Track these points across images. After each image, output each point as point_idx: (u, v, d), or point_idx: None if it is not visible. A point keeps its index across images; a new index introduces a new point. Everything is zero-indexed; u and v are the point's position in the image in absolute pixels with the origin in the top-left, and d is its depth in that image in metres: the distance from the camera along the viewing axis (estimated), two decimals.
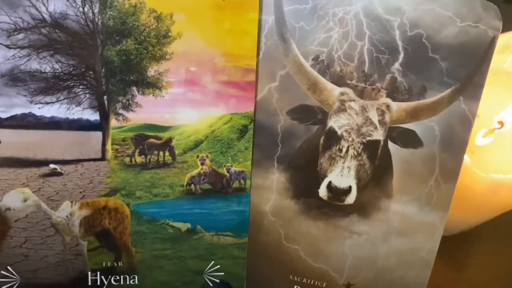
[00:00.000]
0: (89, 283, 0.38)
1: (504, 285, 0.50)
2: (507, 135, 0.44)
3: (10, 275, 0.37)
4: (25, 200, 0.36)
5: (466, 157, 0.42)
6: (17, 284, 0.37)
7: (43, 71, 0.34)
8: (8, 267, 0.36)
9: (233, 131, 0.38)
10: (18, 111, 0.35)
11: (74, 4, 0.33)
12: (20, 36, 0.33)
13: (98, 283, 0.38)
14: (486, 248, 0.55)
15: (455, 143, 0.37)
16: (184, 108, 0.37)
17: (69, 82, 0.35)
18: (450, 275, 0.50)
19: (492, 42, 0.35)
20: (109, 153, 0.37)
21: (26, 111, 0.35)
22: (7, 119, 0.35)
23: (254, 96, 0.37)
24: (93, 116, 0.36)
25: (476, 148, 0.44)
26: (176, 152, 0.38)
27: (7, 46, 0.33)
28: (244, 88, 0.37)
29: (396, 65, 0.36)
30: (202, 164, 0.38)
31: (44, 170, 0.36)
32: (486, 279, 0.51)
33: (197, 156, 0.38)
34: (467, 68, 0.36)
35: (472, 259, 0.54)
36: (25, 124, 0.35)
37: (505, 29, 0.44)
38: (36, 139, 0.35)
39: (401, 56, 0.36)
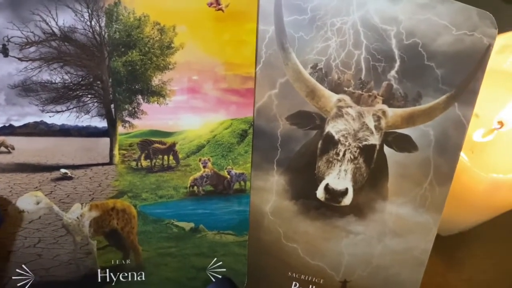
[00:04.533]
0: (99, 280, 0.39)
1: (504, 285, 0.50)
2: (506, 135, 0.44)
3: (25, 273, 0.38)
4: (38, 203, 0.37)
5: (466, 157, 0.42)
6: (31, 282, 0.38)
7: (53, 81, 0.36)
8: (23, 266, 0.38)
9: (233, 136, 0.39)
10: (30, 119, 0.36)
11: (82, 19, 0.35)
12: (32, 49, 0.35)
13: (107, 280, 0.39)
14: (486, 248, 0.54)
15: (449, 147, 0.38)
16: (187, 114, 0.38)
17: (78, 92, 0.36)
18: (450, 275, 0.50)
19: (487, 50, 0.36)
20: (117, 158, 0.38)
21: (38, 119, 0.36)
22: (20, 127, 0.36)
23: (253, 102, 0.38)
24: (101, 123, 0.37)
25: (475, 148, 0.44)
26: (180, 156, 0.39)
27: (20, 59, 0.35)
28: (243, 94, 0.38)
29: (392, 73, 0.37)
30: (204, 167, 0.40)
31: (55, 174, 0.37)
32: (486, 279, 0.50)
33: (200, 160, 0.39)
34: (462, 75, 0.36)
35: (472, 259, 0.53)
36: (37, 131, 0.36)
37: (505, 29, 0.44)
38: (47, 145, 0.37)
39: (397, 64, 0.37)
